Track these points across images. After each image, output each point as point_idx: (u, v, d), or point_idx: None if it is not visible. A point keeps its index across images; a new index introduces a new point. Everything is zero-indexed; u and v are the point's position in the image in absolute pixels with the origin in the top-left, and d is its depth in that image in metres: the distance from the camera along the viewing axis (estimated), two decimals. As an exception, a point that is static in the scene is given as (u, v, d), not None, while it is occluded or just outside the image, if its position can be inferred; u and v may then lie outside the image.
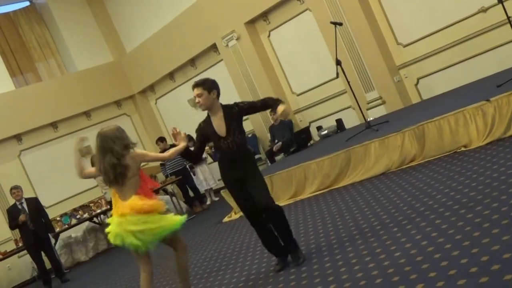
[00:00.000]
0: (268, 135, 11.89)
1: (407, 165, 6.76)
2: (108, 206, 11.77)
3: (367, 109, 10.16)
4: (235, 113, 4.89)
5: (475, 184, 4.78)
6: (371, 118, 9.24)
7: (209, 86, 4.85)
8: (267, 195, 4.81)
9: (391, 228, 4.59)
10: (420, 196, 5.18)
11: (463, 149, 6.27)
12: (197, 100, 4.88)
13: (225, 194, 8.80)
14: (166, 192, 12.73)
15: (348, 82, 8.35)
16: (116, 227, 4.42)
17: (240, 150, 4.86)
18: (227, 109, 4.90)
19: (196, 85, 4.88)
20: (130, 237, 4.34)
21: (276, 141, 11.30)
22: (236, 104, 4.96)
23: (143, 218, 4.35)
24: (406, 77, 10.12)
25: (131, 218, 4.34)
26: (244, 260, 5.78)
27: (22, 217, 9.88)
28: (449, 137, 6.41)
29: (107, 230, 4.54)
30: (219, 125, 4.86)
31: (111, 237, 4.47)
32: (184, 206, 12.43)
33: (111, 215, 4.62)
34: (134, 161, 4.46)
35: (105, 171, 4.40)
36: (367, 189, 6.54)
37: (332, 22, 8.39)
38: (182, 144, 4.72)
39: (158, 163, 12.91)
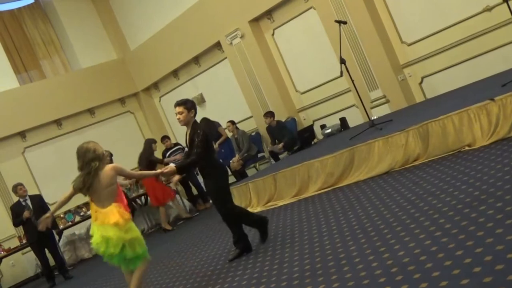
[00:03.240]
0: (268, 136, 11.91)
1: (411, 164, 6.75)
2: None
3: (371, 108, 10.15)
4: (195, 135, 5.74)
5: (479, 184, 4.78)
6: (375, 117, 9.23)
7: (189, 106, 5.78)
8: (220, 205, 5.85)
9: (394, 227, 4.59)
10: (423, 195, 5.18)
11: (467, 148, 6.26)
12: (177, 117, 5.77)
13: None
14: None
15: (352, 81, 8.34)
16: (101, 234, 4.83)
17: (201, 162, 5.83)
18: (194, 128, 5.78)
19: (178, 104, 5.77)
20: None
21: (277, 141, 11.33)
22: (201, 131, 5.74)
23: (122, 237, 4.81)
24: (410, 76, 10.11)
25: (113, 231, 4.78)
26: (247, 258, 5.78)
27: (26, 214, 9.90)
28: (453, 136, 6.40)
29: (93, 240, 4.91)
30: (188, 139, 5.86)
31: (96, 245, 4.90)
32: (187, 203, 12.44)
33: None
34: (113, 171, 4.95)
35: (83, 181, 4.85)
36: (370, 188, 6.54)
37: (336, 21, 8.39)
38: (156, 172, 5.69)
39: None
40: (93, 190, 4.88)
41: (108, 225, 4.78)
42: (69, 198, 5.03)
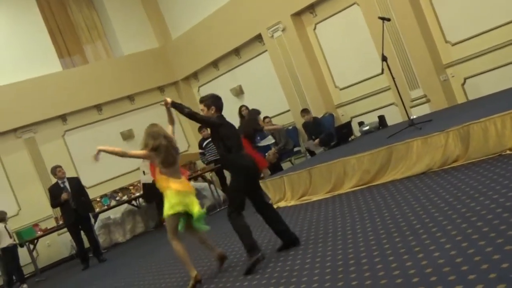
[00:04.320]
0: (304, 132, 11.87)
1: (450, 165, 6.65)
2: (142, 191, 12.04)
3: (411, 107, 10.03)
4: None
5: (520, 188, 4.69)
6: (415, 116, 9.12)
7: (209, 103, 5.74)
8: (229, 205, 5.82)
9: (430, 228, 4.53)
10: (462, 197, 5.11)
11: (508, 152, 6.13)
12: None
13: (265, 184, 8.83)
14: (204, 179, 12.84)
15: (393, 79, 8.25)
16: (183, 198, 5.69)
17: (221, 159, 6.06)
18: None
19: (200, 101, 5.88)
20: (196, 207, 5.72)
21: (313, 137, 11.29)
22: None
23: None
24: (452, 76, 9.95)
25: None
26: (280, 251, 5.79)
27: (64, 195, 10.10)
28: (494, 139, 6.27)
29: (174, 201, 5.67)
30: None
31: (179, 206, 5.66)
32: (221, 194, 12.51)
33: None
34: None
35: (173, 156, 5.72)
36: (407, 187, 6.48)
37: (380, 17, 8.31)
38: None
39: (197, 151, 13.03)
40: (171, 165, 5.73)
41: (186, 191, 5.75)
42: (134, 156, 5.99)
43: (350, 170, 7.79)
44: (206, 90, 14.83)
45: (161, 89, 15.37)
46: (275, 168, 11.38)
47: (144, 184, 11.58)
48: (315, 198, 8.13)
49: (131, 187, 12.81)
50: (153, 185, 11.17)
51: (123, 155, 5.81)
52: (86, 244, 10.58)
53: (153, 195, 11.47)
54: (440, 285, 3.33)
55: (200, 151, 12.58)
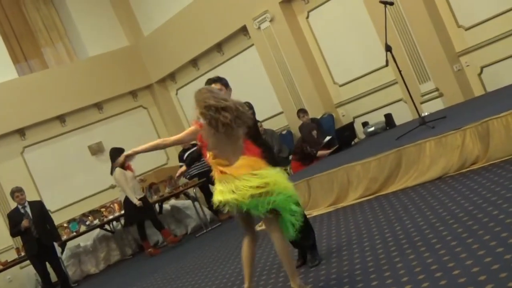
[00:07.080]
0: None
1: (468, 168, 6.68)
2: (122, 211, 11.91)
3: (421, 103, 10.07)
4: None
5: (549, 192, 4.70)
6: (426, 113, 9.15)
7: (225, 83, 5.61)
8: None
9: (448, 242, 4.53)
10: (483, 205, 5.11)
11: (535, 150, 6.17)
12: None
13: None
14: (187, 196, 12.80)
15: (400, 71, 8.28)
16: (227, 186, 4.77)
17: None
18: None
19: (216, 80, 5.62)
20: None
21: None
22: None
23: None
24: (467, 66, 10.00)
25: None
26: (277, 276, 5.78)
27: (25, 223, 10.01)
28: (518, 136, 6.31)
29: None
30: None
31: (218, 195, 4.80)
32: (208, 212, 12.47)
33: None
34: None
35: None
36: (420, 195, 6.49)
37: (381, 1, 8.34)
38: None
39: (177, 164, 13.00)
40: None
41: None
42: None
43: (355, 179, 7.80)
44: (185, 93, 14.86)
45: (133, 94, 15.36)
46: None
47: (125, 203, 11.41)
48: (315, 212, 8.11)
49: (103, 209, 12.72)
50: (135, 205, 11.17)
51: (164, 146, 5.50)
52: (54, 277, 10.51)
53: (135, 216, 11.39)
54: (462, 308, 3.33)
55: (181, 164, 12.54)
